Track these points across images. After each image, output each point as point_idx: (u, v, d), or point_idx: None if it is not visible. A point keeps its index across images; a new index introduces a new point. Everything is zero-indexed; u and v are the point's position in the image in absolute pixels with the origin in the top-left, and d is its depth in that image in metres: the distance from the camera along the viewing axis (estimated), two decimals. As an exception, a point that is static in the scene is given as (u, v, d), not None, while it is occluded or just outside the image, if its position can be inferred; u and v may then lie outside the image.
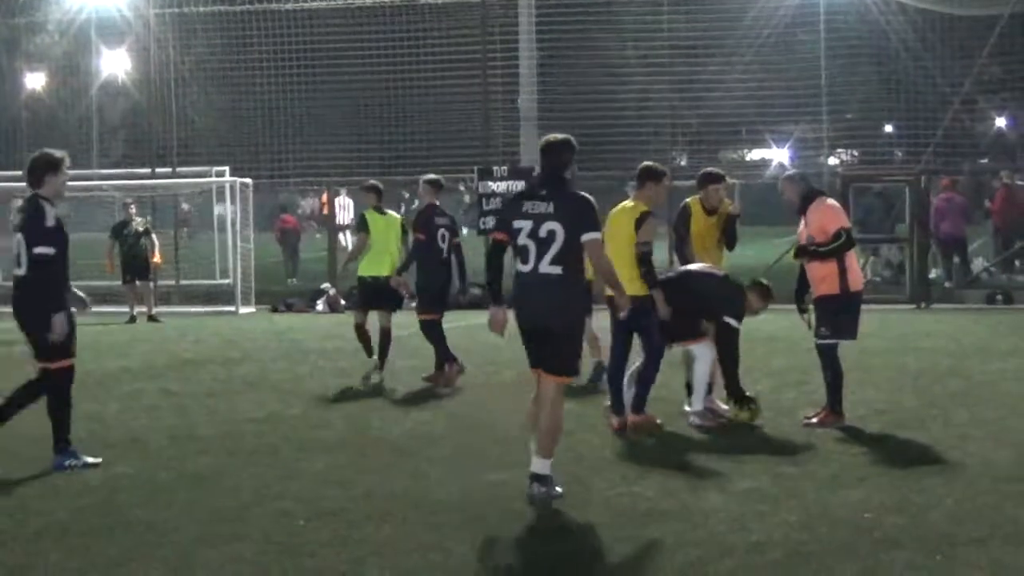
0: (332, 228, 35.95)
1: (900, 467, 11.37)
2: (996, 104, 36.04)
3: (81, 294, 13.82)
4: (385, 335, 17.77)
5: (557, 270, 10.27)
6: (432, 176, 18.04)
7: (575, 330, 10.67)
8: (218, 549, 9.03)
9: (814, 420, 13.56)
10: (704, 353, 13.80)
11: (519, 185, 30.23)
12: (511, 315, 10.62)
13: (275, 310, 30.56)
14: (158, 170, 34.63)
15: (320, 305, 30.15)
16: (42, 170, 11.98)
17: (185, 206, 36.23)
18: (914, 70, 32.47)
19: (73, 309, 12.26)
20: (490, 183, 30.69)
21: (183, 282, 33.44)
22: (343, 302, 29.92)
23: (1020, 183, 33.28)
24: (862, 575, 8.29)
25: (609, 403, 13.65)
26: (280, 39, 34.35)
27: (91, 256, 28.70)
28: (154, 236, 29.05)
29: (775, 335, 20.69)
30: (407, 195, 60.91)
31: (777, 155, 39.39)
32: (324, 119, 36.43)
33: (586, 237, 10.29)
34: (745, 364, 14.20)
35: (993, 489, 10.44)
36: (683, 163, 36.52)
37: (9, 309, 12.01)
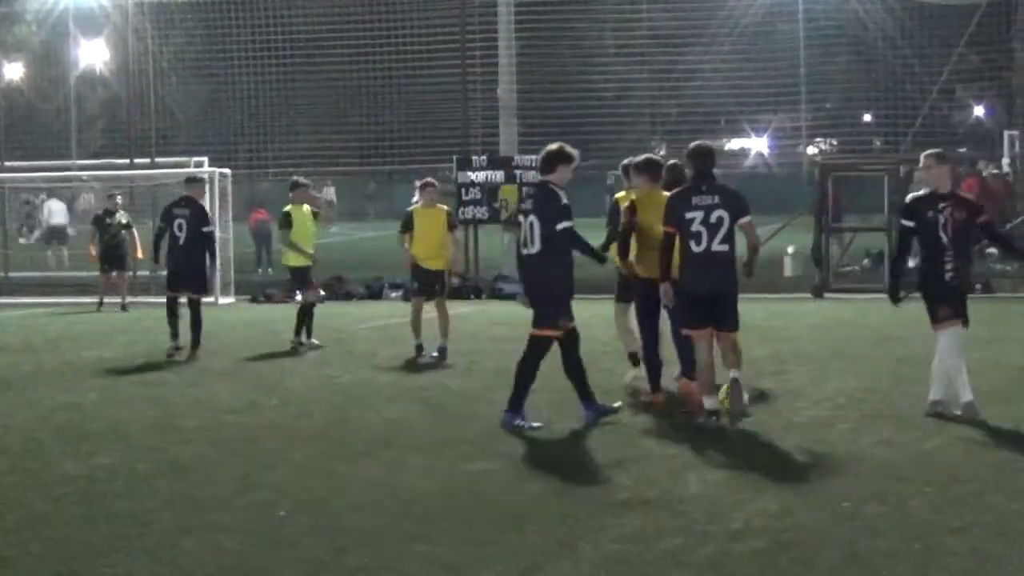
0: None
1: (880, 455, 11.41)
2: (974, 93, 36.16)
3: None
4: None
5: (725, 248, 12.85)
6: (190, 173, 21.41)
7: (737, 294, 13.12)
8: (199, 539, 9.02)
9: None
10: (948, 344, 13.47)
11: (498, 175, 30.31)
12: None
13: (255, 300, 30.49)
14: (136, 160, 34.52)
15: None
16: (556, 160, 13.19)
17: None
18: (893, 59, 32.54)
19: None
20: (469, 173, 30.65)
21: (162, 272, 33.25)
22: (322, 293, 29.87)
23: (996, 171, 33.27)
24: (842, 563, 8.31)
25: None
26: (258, 29, 34.31)
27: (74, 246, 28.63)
28: (134, 230, 29.07)
29: (750, 325, 20.65)
30: (373, 186, 61.16)
31: (756, 144, 39.47)
32: (302, 109, 36.45)
33: (742, 220, 12.89)
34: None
35: (974, 477, 10.48)
36: (662, 152, 36.51)
37: None
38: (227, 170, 31.88)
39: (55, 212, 39.83)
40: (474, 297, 29.02)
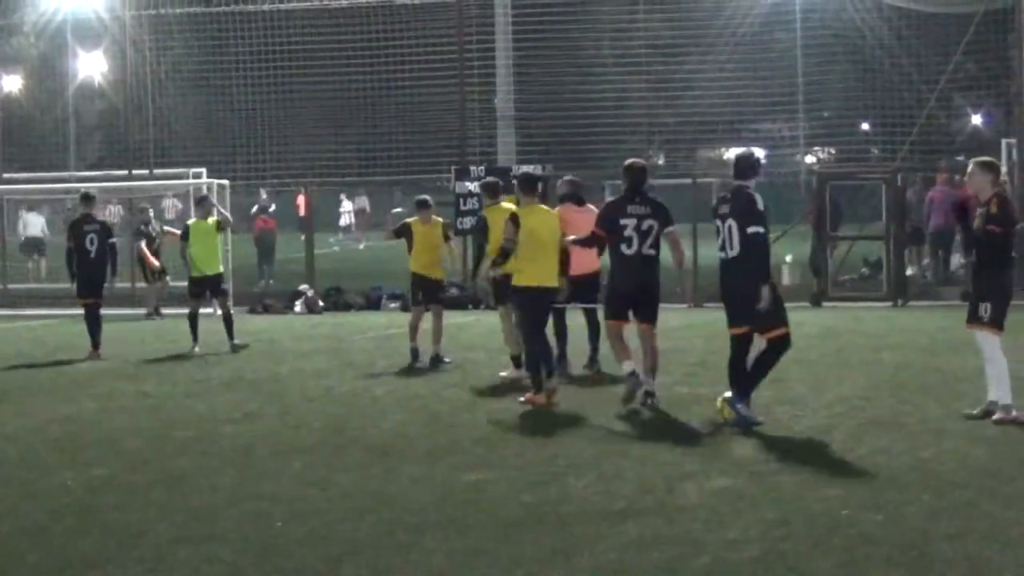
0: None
1: (876, 464, 11.39)
2: (972, 101, 36.16)
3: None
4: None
5: (653, 252, 14.62)
6: (84, 191, 22.90)
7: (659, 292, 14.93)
8: (195, 549, 9.01)
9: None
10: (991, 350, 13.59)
11: (497, 185, 30.29)
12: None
13: (252, 311, 30.46)
14: (135, 171, 34.55)
15: (298, 306, 30.10)
16: (757, 165, 14.19)
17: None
18: (890, 68, 32.55)
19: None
20: (467, 183, 30.64)
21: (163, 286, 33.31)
22: (321, 303, 29.95)
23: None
24: (839, 571, 8.30)
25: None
26: (257, 40, 34.32)
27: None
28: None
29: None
30: (400, 196, 60.89)
31: (754, 153, 39.45)
32: (300, 120, 36.43)
33: (669, 229, 14.83)
34: (720, 363, 14.24)
35: (969, 485, 10.47)
36: (660, 162, 36.57)
37: None
38: (225, 181, 31.87)
39: (30, 224, 39.94)
40: (472, 307, 29.01)
